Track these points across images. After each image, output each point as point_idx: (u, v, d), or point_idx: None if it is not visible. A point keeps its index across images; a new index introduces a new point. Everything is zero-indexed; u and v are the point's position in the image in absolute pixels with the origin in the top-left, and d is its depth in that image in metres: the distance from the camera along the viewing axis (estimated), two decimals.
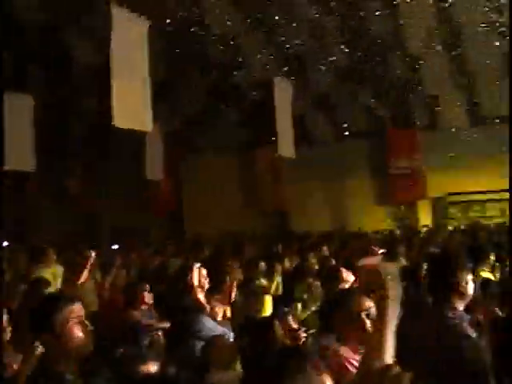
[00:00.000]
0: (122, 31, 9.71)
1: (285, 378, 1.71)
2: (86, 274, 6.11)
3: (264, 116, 15.45)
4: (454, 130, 18.55)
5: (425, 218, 19.33)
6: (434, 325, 3.48)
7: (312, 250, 10.70)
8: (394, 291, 2.27)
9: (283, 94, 14.91)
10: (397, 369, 1.37)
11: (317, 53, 16.32)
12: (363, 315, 3.21)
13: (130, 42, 9.94)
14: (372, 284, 2.34)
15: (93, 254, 6.17)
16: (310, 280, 7.59)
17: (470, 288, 3.57)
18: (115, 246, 14.30)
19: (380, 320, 2.25)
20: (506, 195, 18.29)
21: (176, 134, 19.88)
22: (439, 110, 18.62)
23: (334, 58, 16.66)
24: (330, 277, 5.56)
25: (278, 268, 8.79)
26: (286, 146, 15.01)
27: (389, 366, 1.40)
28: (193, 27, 14.78)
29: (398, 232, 16.21)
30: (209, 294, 5.97)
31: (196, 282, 5.80)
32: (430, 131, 19.03)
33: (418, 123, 19.22)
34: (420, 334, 3.54)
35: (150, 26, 10.50)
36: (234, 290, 6.20)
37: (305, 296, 7.35)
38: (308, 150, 19.97)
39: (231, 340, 5.12)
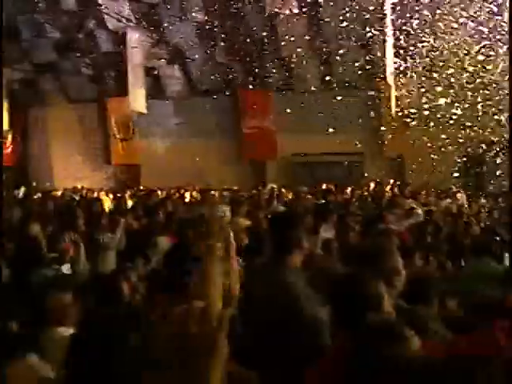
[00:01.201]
0: None
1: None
2: None
3: (116, 68, 14.93)
4: (306, 92, 18.95)
5: (272, 178, 19.74)
6: (273, 282, 3.52)
7: (161, 206, 10.58)
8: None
9: (136, 46, 14.44)
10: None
11: (173, 7, 15.95)
12: None
13: None
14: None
15: None
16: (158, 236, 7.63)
17: (313, 246, 3.65)
18: None
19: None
20: (352, 158, 19.26)
21: (25, 83, 18.85)
22: (293, 71, 18.98)
23: (193, 13, 16.39)
24: None
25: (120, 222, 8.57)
26: (138, 101, 14.65)
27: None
28: None
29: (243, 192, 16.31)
30: None
31: None
32: (283, 92, 19.35)
33: (271, 83, 19.44)
34: (260, 291, 3.60)
35: None
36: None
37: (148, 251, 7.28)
38: (161, 106, 19.65)
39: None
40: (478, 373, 1.14)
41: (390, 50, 16.75)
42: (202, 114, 19.34)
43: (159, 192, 15.42)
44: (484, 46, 16.13)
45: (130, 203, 13.14)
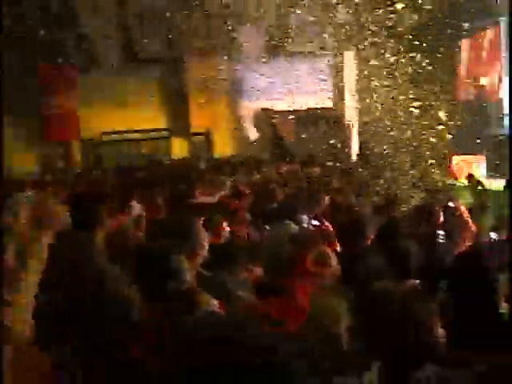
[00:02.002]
0: None
1: None
2: None
3: None
4: (109, 69, 18.45)
5: (77, 158, 19.07)
6: (74, 260, 3.44)
7: None
8: None
9: None
10: None
11: None
12: None
13: None
14: None
15: None
16: None
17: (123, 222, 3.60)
18: None
19: None
20: (159, 134, 19.22)
21: None
22: (96, 48, 18.36)
23: None
24: None
25: None
26: None
27: None
28: None
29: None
30: None
31: None
32: (86, 69, 18.66)
33: (74, 61, 18.65)
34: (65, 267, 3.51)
35: None
36: None
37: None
38: None
39: None
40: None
41: None
42: None
43: None
44: None
45: None
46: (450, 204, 7.30)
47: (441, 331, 2.56)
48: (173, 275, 2.64)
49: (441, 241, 5.15)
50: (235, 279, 3.74)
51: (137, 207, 7.94)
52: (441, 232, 5.22)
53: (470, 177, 11.53)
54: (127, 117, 18.02)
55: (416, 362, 2.43)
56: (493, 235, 7.20)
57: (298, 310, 2.93)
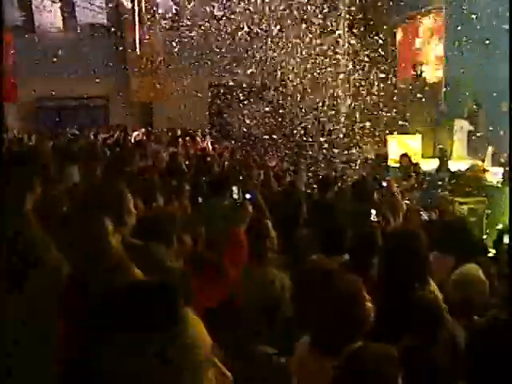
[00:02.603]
0: None
1: None
2: None
3: None
4: (49, 32, 17.89)
5: (12, 122, 18.46)
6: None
7: None
8: None
9: None
10: None
11: None
12: None
13: None
14: None
15: None
16: None
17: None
18: None
19: None
20: (97, 102, 18.77)
21: None
22: (34, 10, 17.75)
23: None
24: None
25: None
26: None
27: None
28: None
29: None
30: None
31: None
32: (23, 32, 17.99)
33: (10, 24, 17.95)
34: None
35: None
36: None
37: None
38: None
39: None
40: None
41: None
42: None
43: None
44: None
45: None
46: (383, 183, 7.45)
47: (370, 307, 2.60)
48: (94, 244, 2.58)
49: (373, 218, 5.23)
50: (167, 250, 3.69)
51: (75, 175, 7.78)
52: (373, 210, 5.31)
53: (404, 156, 11.71)
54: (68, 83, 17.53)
55: (345, 336, 2.47)
56: (424, 215, 7.40)
57: (229, 282, 2.93)
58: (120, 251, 2.67)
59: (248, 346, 2.65)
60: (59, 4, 18.15)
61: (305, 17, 11.91)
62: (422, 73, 14.93)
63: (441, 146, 12.59)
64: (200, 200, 6.05)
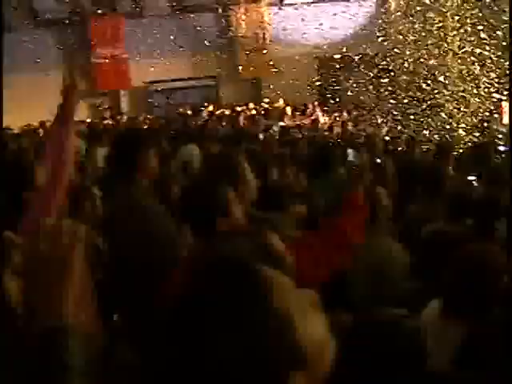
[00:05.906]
0: None
1: None
2: None
3: None
4: (154, 17, 18.32)
5: (128, 107, 19.10)
6: (122, 203, 3.43)
7: None
8: None
9: None
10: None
11: None
12: None
13: None
14: None
15: None
16: None
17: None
18: None
19: None
20: (206, 81, 19.08)
21: None
22: None
23: None
24: None
25: None
26: None
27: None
28: None
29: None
30: None
31: None
32: (132, 18, 18.52)
33: (119, 9, 18.56)
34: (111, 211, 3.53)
35: None
36: None
37: None
38: None
39: None
40: None
41: None
42: (45, 47, 17.98)
43: None
44: None
45: None
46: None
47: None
48: (220, 211, 2.58)
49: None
50: (285, 220, 3.70)
51: (187, 154, 8.03)
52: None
53: None
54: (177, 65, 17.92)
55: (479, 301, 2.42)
56: None
57: (346, 246, 2.87)
58: (242, 222, 2.69)
59: (374, 309, 2.60)
60: None
61: None
62: None
63: None
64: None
